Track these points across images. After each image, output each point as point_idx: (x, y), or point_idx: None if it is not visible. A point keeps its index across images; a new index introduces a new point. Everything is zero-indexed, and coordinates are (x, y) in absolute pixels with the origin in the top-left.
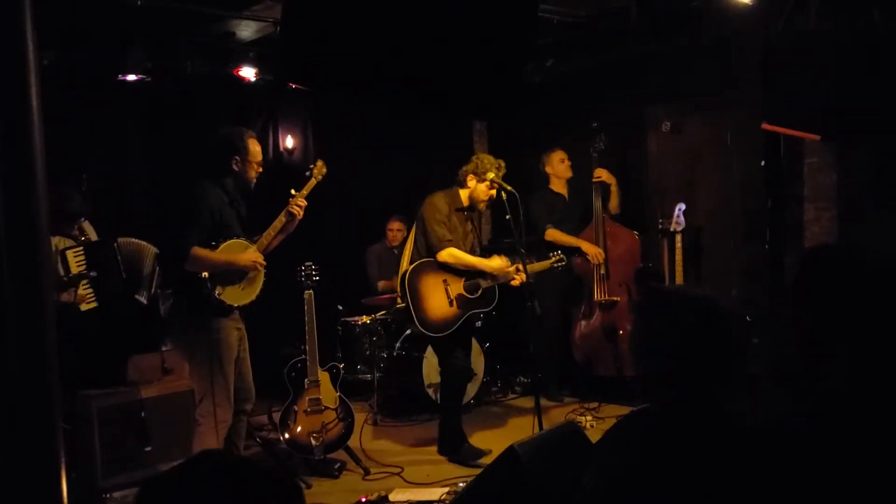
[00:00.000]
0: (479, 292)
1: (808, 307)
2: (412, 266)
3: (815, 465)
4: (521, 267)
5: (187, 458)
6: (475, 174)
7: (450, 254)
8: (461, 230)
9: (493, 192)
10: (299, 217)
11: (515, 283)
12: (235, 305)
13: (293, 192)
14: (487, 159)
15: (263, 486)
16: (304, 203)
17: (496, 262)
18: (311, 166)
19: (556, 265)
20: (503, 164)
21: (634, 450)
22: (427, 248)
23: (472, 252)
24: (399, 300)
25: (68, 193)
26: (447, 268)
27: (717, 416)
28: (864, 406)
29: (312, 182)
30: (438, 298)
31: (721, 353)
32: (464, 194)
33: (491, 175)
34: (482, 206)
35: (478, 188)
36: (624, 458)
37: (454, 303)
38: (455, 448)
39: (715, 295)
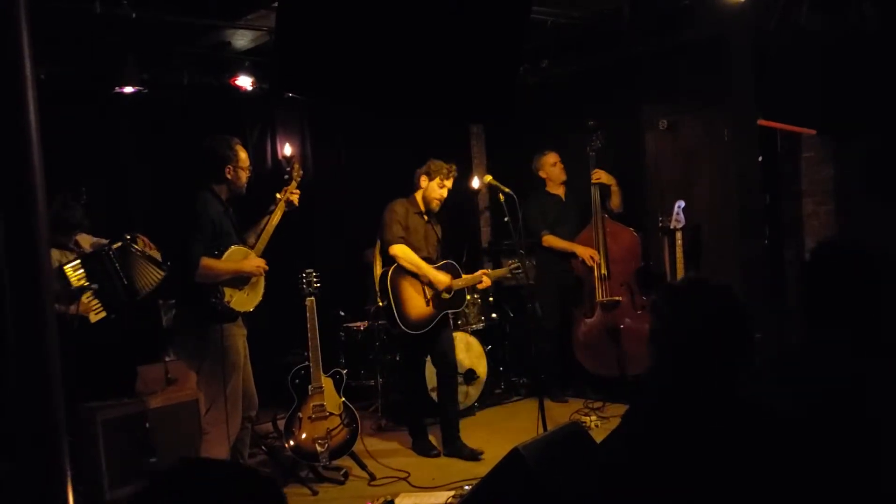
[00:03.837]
0: (452, 293)
1: (816, 300)
2: (392, 267)
3: (816, 457)
4: (487, 272)
5: (179, 464)
6: (426, 174)
7: (401, 249)
8: (421, 232)
9: (444, 191)
10: (295, 205)
11: (482, 286)
12: (244, 311)
13: (278, 196)
14: (439, 162)
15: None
16: (298, 192)
17: (441, 277)
18: (288, 168)
19: (513, 272)
20: (454, 167)
21: (638, 441)
22: (385, 247)
23: (437, 255)
24: (379, 300)
25: (67, 204)
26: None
27: (734, 403)
28: (866, 399)
29: (294, 183)
30: (417, 298)
31: (740, 339)
32: (418, 196)
33: (443, 171)
34: (435, 204)
35: (430, 186)
36: (629, 449)
37: (430, 303)
38: (414, 437)
39: (727, 283)
